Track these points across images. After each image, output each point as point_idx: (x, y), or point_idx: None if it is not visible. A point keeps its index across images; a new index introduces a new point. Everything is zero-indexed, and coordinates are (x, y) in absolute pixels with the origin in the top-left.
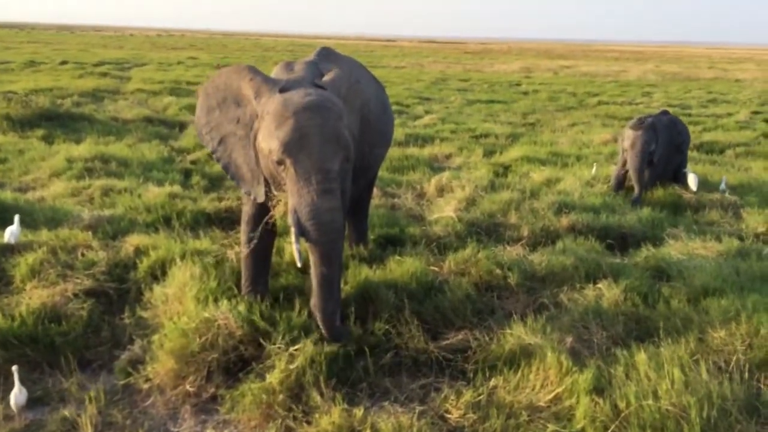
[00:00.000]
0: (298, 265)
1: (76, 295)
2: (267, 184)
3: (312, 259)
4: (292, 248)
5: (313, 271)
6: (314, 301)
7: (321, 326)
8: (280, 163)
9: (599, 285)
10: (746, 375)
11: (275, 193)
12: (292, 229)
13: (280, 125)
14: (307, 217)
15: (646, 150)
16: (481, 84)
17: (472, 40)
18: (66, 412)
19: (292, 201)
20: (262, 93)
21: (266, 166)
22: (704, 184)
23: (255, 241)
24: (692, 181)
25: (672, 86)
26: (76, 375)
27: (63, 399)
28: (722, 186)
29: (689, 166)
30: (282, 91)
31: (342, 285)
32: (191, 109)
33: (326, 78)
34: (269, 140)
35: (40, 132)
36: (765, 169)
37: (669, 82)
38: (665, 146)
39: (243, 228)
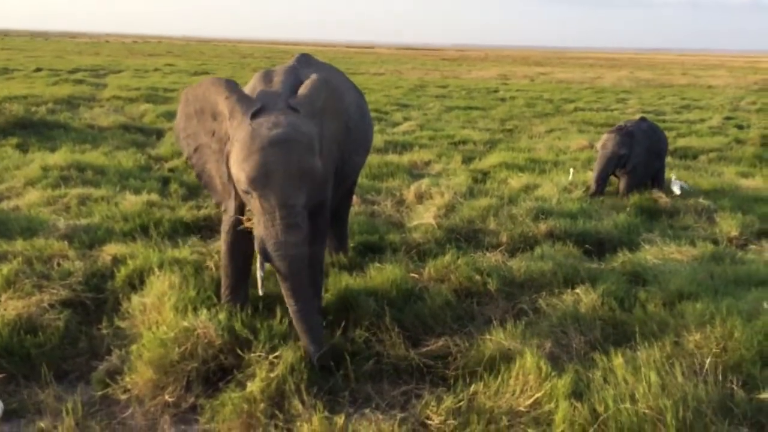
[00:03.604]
0: (260, 293)
1: (52, 306)
2: (239, 197)
3: (282, 291)
4: (257, 275)
5: (287, 303)
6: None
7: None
8: (247, 192)
9: (577, 290)
10: (720, 377)
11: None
12: (258, 257)
13: (247, 158)
14: (272, 249)
15: (616, 153)
16: (459, 90)
17: (449, 46)
18: (42, 424)
19: (257, 230)
20: (235, 114)
21: (239, 191)
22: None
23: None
24: (676, 187)
25: (646, 92)
26: (53, 386)
27: (39, 411)
28: (682, 185)
29: (673, 173)
30: (254, 115)
31: (322, 293)
32: (168, 116)
33: (302, 91)
34: (237, 170)
35: (14, 140)
36: (737, 174)
37: (643, 89)
38: (645, 153)
39: (223, 236)
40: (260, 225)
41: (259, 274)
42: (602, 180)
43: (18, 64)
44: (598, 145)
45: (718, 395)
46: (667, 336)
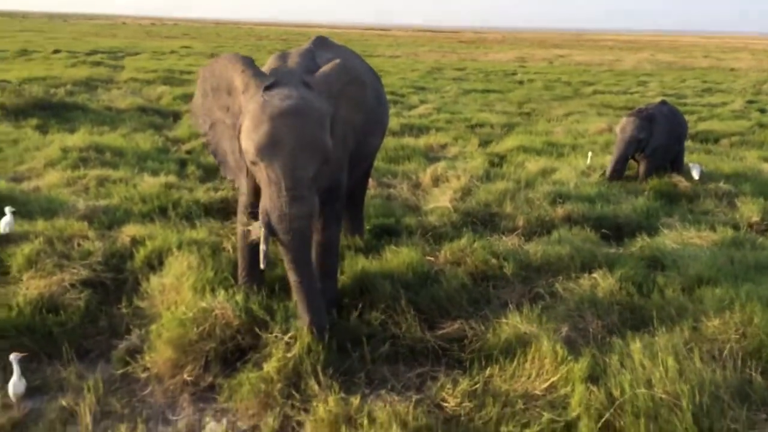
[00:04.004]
0: (262, 266)
1: (73, 285)
2: (251, 174)
3: (285, 265)
4: (260, 248)
5: (288, 277)
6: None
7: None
8: (254, 163)
9: (594, 274)
10: (739, 363)
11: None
12: (262, 230)
13: (257, 128)
14: (276, 221)
15: (636, 137)
16: (477, 73)
17: (466, 29)
18: (64, 401)
19: (264, 202)
20: (249, 88)
21: (247, 162)
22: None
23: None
24: (695, 171)
25: (667, 75)
26: (75, 364)
27: (61, 388)
28: (701, 168)
29: (693, 156)
30: (267, 89)
31: (338, 276)
32: (185, 98)
33: (322, 71)
34: (246, 141)
35: (34, 121)
36: (759, 159)
37: (664, 71)
38: (665, 137)
39: (239, 218)
40: (265, 197)
41: (262, 247)
42: (621, 164)
43: (37, 45)
44: (617, 128)
45: (736, 381)
46: (685, 321)
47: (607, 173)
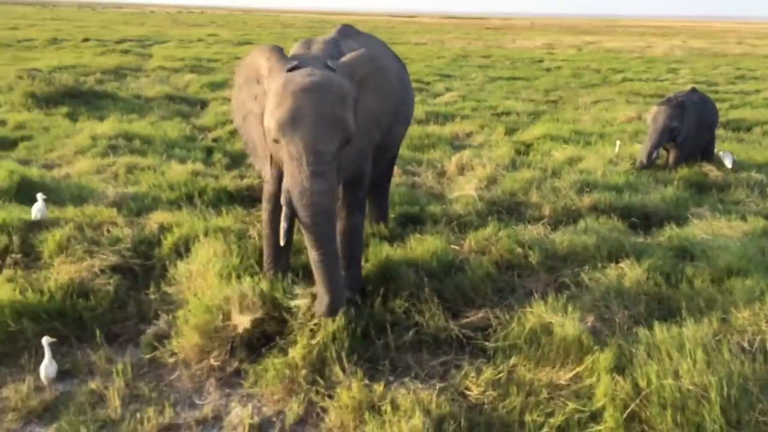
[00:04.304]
0: (281, 243)
1: (102, 271)
2: (275, 162)
3: (306, 243)
4: (281, 225)
5: (309, 256)
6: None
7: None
8: (277, 141)
9: (621, 264)
10: None
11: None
12: (284, 208)
13: (279, 105)
14: (296, 198)
15: (667, 125)
16: (503, 60)
17: (494, 15)
18: (94, 385)
19: (285, 180)
20: (272, 72)
21: (270, 143)
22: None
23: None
24: (727, 160)
25: (699, 62)
26: (104, 348)
27: (91, 372)
28: (733, 157)
29: (724, 145)
30: (289, 70)
31: (362, 264)
32: (212, 86)
33: (345, 58)
34: (269, 119)
35: (64, 109)
36: None
37: (696, 58)
38: (696, 125)
39: (264, 206)
40: (286, 175)
41: (282, 225)
42: (653, 154)
43: (67, 34)
44: (648, 118)
45: (766, 374)
46: (714, 312)
47: (639, 163)
